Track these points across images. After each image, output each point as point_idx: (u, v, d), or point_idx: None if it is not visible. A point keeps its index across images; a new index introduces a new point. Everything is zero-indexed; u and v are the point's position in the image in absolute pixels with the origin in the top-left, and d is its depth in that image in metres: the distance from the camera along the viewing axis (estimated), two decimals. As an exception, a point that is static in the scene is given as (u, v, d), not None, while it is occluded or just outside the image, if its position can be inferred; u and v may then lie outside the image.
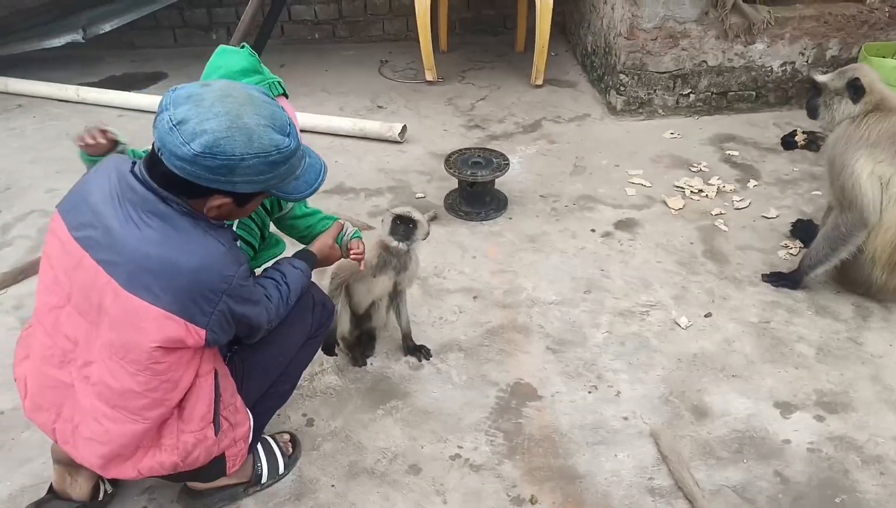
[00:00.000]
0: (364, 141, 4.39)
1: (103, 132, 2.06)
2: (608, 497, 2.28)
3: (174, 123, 1.59)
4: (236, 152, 1.62)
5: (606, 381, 2.72)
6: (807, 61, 4.59)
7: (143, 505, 2.26)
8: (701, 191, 3.87)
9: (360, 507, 2.26)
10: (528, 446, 2.46)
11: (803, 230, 3.46)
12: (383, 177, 4.05)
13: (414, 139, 4.42)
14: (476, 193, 3.67)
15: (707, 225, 3.61)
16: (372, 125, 4.41)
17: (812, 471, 2.36)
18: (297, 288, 2.10)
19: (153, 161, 1.69)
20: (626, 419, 2.56)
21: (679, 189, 3.90)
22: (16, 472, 2.35)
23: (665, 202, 3.78)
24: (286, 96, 2.33)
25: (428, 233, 2.65)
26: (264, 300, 1.95)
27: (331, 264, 2.45)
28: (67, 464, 2.11)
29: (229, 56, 2.23)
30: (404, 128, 4.37)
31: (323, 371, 2.76)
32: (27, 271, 3.24)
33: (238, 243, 1.92)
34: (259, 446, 2.29)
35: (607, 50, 4.77)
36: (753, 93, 4.69)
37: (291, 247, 2.60)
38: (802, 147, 4.27)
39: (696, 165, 4.12)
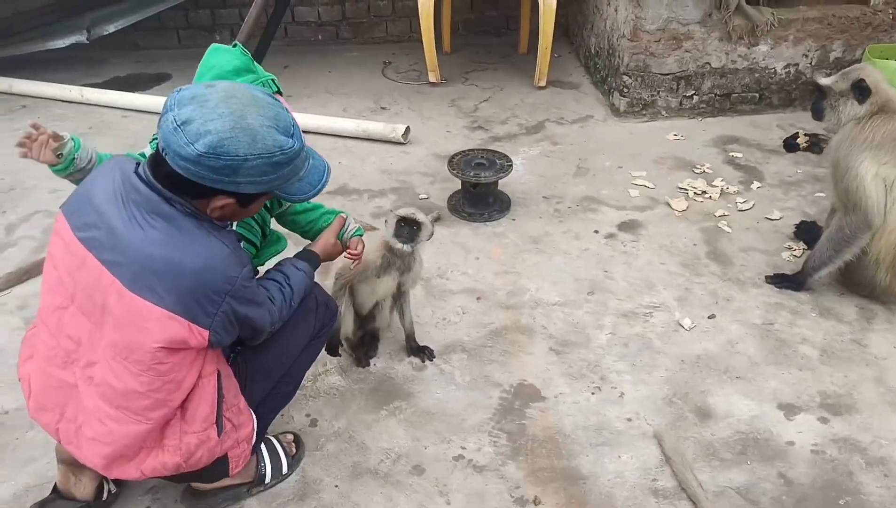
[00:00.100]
0: (367, 142, 4.39)
1: (35, 127, 2.08)
2: (612, 498, 2.28)
3: (178, 123, 1.60)
4: (240, 153, 1.62)
5: (610, 382, 2.72)
6: (810, 63, 4.58)
7: (147, 505, 2.26)
8: (704, 193, 3.86)
9: (364, 508, 2.27)
10: (531, 447, 2.46)
11: (807, 232, 3.45)
12: (387, 178, 4.05)
13: (417, 141, 4.42)
14: (479, 194, 3.67)
15: (710, 227, 3.61)
16: (375, 126, 4.41)
17: (816, 473, 2.36)
18: (300, 290, 2.10)
19: (157, 161, 1.70)
20: (629, 420, 2.56)
21: (682, 191, 3.89)
22: (20, 472, 2.36)
23: (668, 204, 3.78)
24: (280, 94, 2.33)
25: (432, 234, 2.65)
26: (267, 302, 1.95)
27: (334, 260, 2.44)
28: (71, 464, 2.11)
29: (222, 55, 2.24)
30: (408, 129, 4.37)
31: (326, 372, 2.76)
32: (31, 271, 3.25)
33: (241, 243, 1.92)
34: (262, 446, 2.29)
35: (611, 52, 4.76)
36: (757, 95, 4.68)
37: (292, 242, 2.61)
38: (804, 149, 4.26)
39: (699, 166, 4.11)
